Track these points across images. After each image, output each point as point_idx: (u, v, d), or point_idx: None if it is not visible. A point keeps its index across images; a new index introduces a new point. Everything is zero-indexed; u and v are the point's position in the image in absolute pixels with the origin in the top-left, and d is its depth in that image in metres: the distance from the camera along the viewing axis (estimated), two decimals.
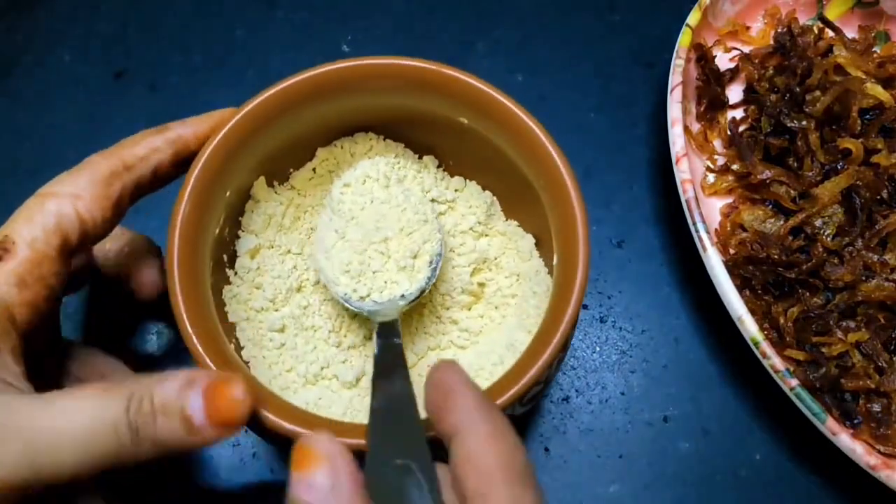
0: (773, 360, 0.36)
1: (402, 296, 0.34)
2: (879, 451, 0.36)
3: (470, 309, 0.38)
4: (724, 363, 0.41)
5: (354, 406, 0.35)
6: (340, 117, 0.36)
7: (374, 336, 0.31)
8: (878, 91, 0.44)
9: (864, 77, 0.44)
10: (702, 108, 0.46)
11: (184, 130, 0.32)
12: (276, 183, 0.37)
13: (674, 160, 0.41)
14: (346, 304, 0.34)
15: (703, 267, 0.39)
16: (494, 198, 0.39)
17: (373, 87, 0.34)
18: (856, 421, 0.37)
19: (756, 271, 0.40)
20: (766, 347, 0.36)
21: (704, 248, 0.39)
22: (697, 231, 0.39)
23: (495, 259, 0.38)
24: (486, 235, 0.39)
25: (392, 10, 0.51)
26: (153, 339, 0.41)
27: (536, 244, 0.38)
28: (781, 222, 0.42)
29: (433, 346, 0.37)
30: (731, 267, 0.40)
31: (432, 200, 0.38)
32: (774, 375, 0.36)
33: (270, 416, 0.27)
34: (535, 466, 0.38)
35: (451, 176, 0.39)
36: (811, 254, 0.41)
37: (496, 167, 0.36)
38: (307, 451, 0.23)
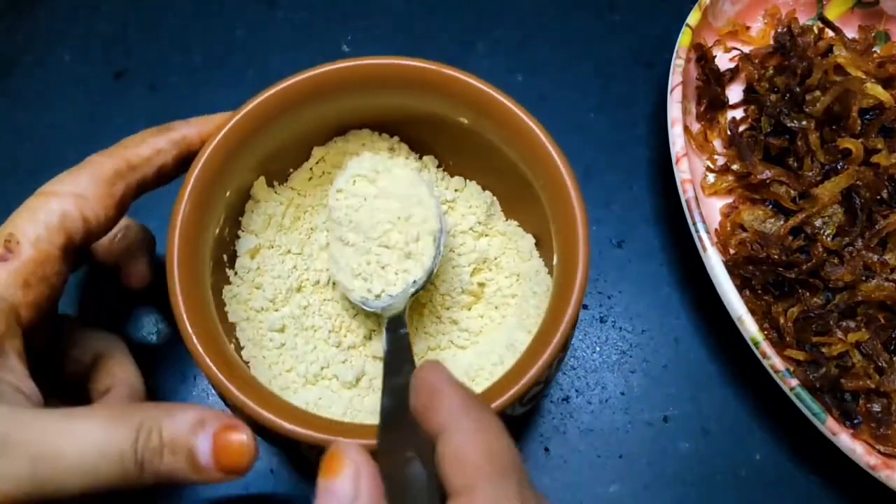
0: (773, 360, 0.36)
1: (414, 282, 0.34)
2: (879, 451, 0.36)
3: (470, 309, 0.38)
4: (724, 363, 0.41)
5: (354, 406, 0.35)
6: (340, 117, 0.36)
7: (384, 331, 0.32)
8: (878, 91, 0.44)
9: (864, 77, 0.44)
10: (702, 108, 0.46)
11: (188, 131, 0.32)
12: (275, 183, 0.37)
13: (674, 160, 0.41)
14: (364, 307, 0.34)
15: (703, 267, 0.39)
16: (494, 198, 0.39)
17: (373, 88, 0.34)
18: (856, 421, 0.37)
19: (756, 271, 0.40)
20: (766, 347, 0.36)
21: (704, 248, 0.39)
22: (697, 231, 0.39)
23: (495, 259, 0.38)
24: (486, 235, 0.39)
25: (392, 10, 0.51)
26: (151, 327, 0.41)
27: (536, 244, 0.38)
28: (781, 222, 0.42)
29: (433, 346, 0.37)
30: (731, 267, 0.40)
31: None
32: (774, 375, 0.36)
33: (270, 416, 0.27)
34: (533, 466, 0.38)
35: (451, 176, 0.39)
36: (811, 254, 0.41)
37: (496, 167, 0.36)
38: (337, 460, 0.23)
